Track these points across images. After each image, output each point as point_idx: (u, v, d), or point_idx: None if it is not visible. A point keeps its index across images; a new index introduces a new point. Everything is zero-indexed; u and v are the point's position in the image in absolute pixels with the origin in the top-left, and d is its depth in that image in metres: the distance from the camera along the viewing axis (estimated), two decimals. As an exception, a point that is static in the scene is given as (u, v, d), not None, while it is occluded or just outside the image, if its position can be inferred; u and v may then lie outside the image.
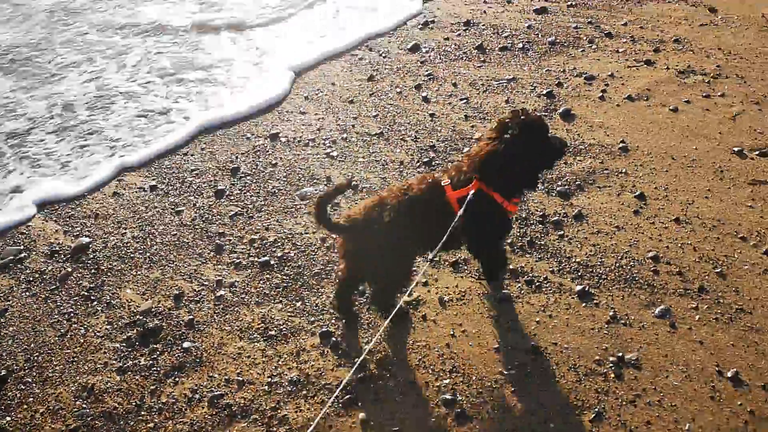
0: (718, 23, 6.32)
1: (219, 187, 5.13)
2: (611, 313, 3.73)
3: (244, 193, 5.06)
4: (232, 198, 5.03)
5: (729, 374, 3.32)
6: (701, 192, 4.47)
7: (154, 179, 5.35)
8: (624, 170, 4.78)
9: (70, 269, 4.52)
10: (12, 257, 4.68)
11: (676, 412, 3.18)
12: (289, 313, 4.01)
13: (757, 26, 6.10)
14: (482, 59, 6.44)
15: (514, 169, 3.29)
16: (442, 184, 3.44)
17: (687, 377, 3.34)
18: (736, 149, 4.75)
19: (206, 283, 4.31)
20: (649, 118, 5.24)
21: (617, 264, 4.05)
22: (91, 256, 4.64)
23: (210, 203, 5.00)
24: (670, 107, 5.29)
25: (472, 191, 3.34)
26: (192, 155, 5.58)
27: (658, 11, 6.74)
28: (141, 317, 4.10)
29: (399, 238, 3.40)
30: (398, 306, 3.69)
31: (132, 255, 4.61)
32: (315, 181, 5.08)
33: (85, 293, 4.31)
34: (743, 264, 3.90)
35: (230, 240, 4.63)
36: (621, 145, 4.99)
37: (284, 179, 5.15)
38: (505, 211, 3.47)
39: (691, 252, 4.05)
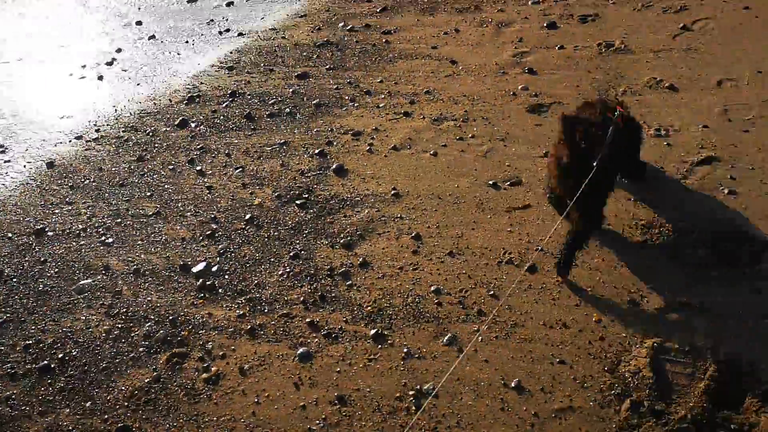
0: (460, 74, 7.03)
1: (-18, 296, 4.69)
2: (405, 350, 3.93)
3: (12, 297, 4.67)
4: (-2, 305, 4.62)
5: (513, 384, 3.64)
6: (468, 225, 4.90)
7: None
8: (399, 215, 5.10)
9: None
10: None
11: (473, 429, 3.42)
12: (79, 416, 3.74)
13: (493, 73, 6.88)
14: (252, 127, 6.58)
15: None
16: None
17: (478, 395, 3.61)
18: (491, 182, 5.28)
19: (-22, 403, 3.89)
20: (414, 164, 5.66)
21: (404, 303, 4.29)
22: None
23: (-27, 315, 4.55)
24: (431, 152, 5.77)
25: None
26: (-54, 265, 5.05)
27: (408, 67, 7.35)
28: None
29: None
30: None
31: None
32: (92, 272, 4.82)
33: None
34: (511, 283, 4.32)
35: (1, 350, 4.23)
36: (393, 192, 5.33)
37: (56, 275, 4.83)
38: None
39: (467, 280, 4.41)
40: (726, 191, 4.75)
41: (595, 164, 3.78)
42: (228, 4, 10.52)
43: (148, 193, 5.68)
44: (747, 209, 4.57)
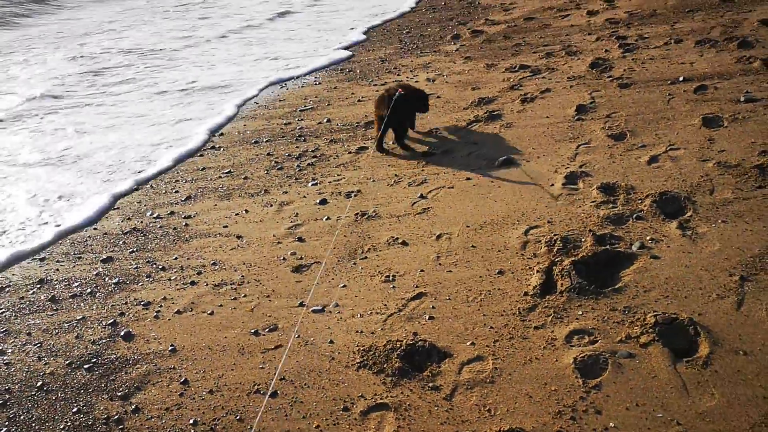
0: (243, 246, 8.29)
1: None
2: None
3: None
4: None
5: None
6: (229, 367, 5.91)
7: None
8: (173, 366, 6.02)
9: None
10: None
11: None
12: None
13: (270, 243, 8.20)
14: (55, 308, 7.37)
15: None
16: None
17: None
18: (253, 331, 6.37)
19: None
20: (192, 323, 6.68)
21: (166, 435, 5.15)
22: None
23: None
24: (209, 312, 6.82)
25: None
26: None
27: (200, 245, 8.53)
28: None
29: None
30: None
31: None
32: None
33: None
34: (256, 409, 5.31)
35: None
36: (171, 348, 6.27)
37: None
38: None
39: (221, 410, 5.38)
40: (427, 317, 6.12)
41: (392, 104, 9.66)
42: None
43: (-54, 376, 6.26)
44: (439, 329, 5.92)
